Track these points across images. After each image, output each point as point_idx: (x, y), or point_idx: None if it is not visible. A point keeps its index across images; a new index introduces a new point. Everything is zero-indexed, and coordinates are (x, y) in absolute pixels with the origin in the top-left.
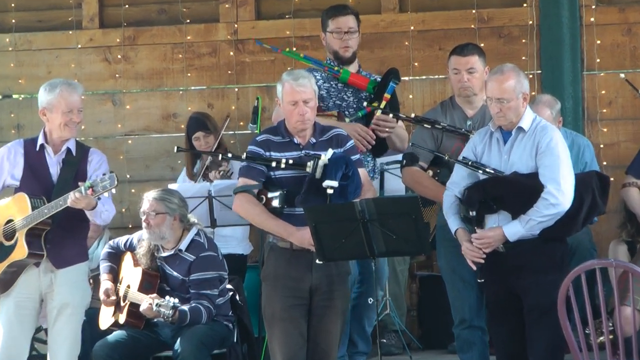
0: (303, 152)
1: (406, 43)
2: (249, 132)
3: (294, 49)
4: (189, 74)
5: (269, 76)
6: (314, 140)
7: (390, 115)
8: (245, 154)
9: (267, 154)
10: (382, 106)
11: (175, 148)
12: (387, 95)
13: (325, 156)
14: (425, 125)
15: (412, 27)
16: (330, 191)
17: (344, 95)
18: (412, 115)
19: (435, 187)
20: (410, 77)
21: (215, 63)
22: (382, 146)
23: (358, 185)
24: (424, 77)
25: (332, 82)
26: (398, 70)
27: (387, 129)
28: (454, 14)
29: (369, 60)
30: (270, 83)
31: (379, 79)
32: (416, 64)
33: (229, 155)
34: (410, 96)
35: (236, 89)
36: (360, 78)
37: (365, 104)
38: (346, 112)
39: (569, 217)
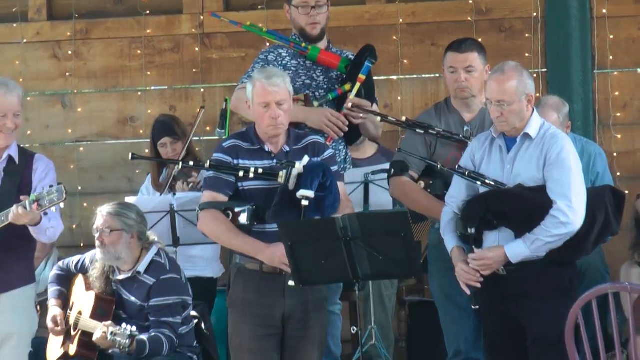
0: (275, 161)
1: (394, 38)
2: (217, 138)
3: (267, 44)
4: (148, 73)
5: (239, 75)
6: (288, 148)
7: (378, 118)
8: (208, 161)
9: (235, 161)
10: (356, 88)
11: (130, 155)
12: (361, 76)
13: (300, 164)
14: (417, 131)
15: (400, 20)
16: (305, 203)
17: (313, 74)
18: (403, 118)
19: (427, 201)
20: (399, 76)
21: (179, 60)
22: (355, 133)
23: (337, 199)
24: (414, 76)
25: (300, 60)
26: (374, 48)
27: (361, 115)
28: (448, 5)
29: None
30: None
31: (352, 57)
32: (405, 61)
33: (190, 163)
34: (399, 98)
35: (202, 90)
36: (331, 55)
37: (337, 86)
38: (315, 94)
39: (579, 238)
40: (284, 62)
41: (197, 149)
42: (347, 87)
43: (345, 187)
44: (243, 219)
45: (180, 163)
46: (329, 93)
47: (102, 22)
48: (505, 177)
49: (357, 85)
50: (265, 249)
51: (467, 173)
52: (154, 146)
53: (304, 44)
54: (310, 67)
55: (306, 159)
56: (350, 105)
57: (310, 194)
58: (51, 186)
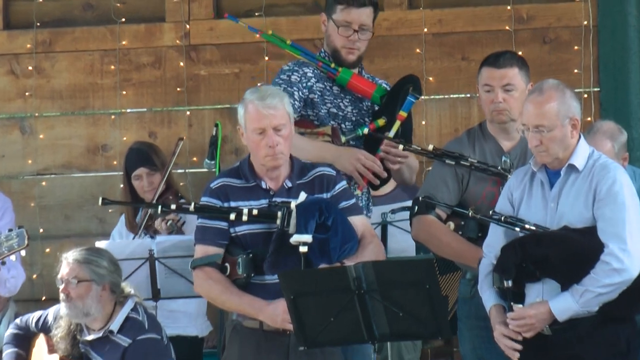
0: (274, 199)
1: (417, 50)
2: (205, 170)
3: (266, 58)
4: (123, 92)
5: (232, 94)
6: (290, 184)
7: (400, 146)
8: (192, 204)
9: (226, 204)
10: (395, 127)
11: (100, 200)
12: (402, 114)
13: (295, 202)
14: (447, 162)
15: (425, 29)
16: (303, 249)
17: (340, 102)
18: (430, 147)
19: (458, 245)
20: (424, 96)
21: (160, 77)
22: (384, 178)
23: (348, 239)
24: (441, 95)
25: (326, 83)
26: (419, 80)
27: (399, 159)
28: (481, 12)
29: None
30: (233, 104)
31: (387, 87)
32: (431, 78)
33: (172, 206)
34: (424, 122)
35: (188, 112)
36: (364, 82)
37: (367, 119)
38: (342, 126)
39: (637, 288)
40: (308, 83)
41: (180, 184)
42: (381, 122)
43: (368, 221)
44: (238, 270)
45: (160, 207)
46: (358, 127)
47: (68, 31)
48: (549, 218)
49: (397, 123)
50: (265, 308)
51: (503, 219)
52: (128, 179)
53: (333, 64)
54: (338, 94)
55: (303, 196)
56: (385, 147)
57: (307, 238)
58: (10, 230)
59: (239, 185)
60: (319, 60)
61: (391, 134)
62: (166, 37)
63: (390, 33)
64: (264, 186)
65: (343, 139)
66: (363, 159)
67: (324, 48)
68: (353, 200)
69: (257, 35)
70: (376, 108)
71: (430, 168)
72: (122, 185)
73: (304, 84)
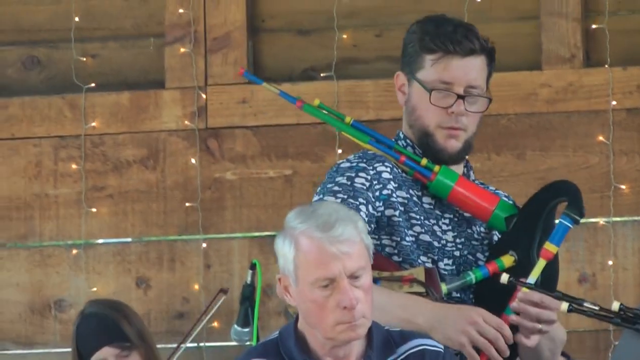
0: None
1: (600, 139)
2: (234, 344)
3: (339, 151)
4: (93, 209)
5: (280, 214)
6: None
7: (564, 305)
8: None
9: None
10: (537, 269)
11: None
12: (550, 247)
13: None
14: None
15: (614, 103)
16: None
17: (436, 225)
18: (615, 306)
19: None
20: (611, 218)
21: (156, 183)
22: (512, 354)
23: None
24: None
25: (413, 191)
26: (577, 189)
27: (540, 326)
28: None
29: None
30: (277, 230)
31: (513, 202)
32: (623, 186)
33: None
34: (610, 262)
35: (204, 244)
36: (478, 191)
37: (482, 255)
38: (437, 259)
39: None
40: (384, 191)
41: None
42: (507, 260)
43: None
44: None
45: None
46: (468, 271)
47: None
48: None
49: (540, 263)
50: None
51: None
52: None
53: (424, 160)
54: (432, 211)
55: None
56: (521, 304)
57: None
58: None
59: None
60: (402, 154)
61: (531, 280)
62: (167, 114)
63: (551, 109)
64: None
65: (444, 288)
66: (482, 323)
67: (402, 131)
68: None
69: (297, 105)
70: (496, 237)
71: (617, 342)
72: None
73: (378, 192)
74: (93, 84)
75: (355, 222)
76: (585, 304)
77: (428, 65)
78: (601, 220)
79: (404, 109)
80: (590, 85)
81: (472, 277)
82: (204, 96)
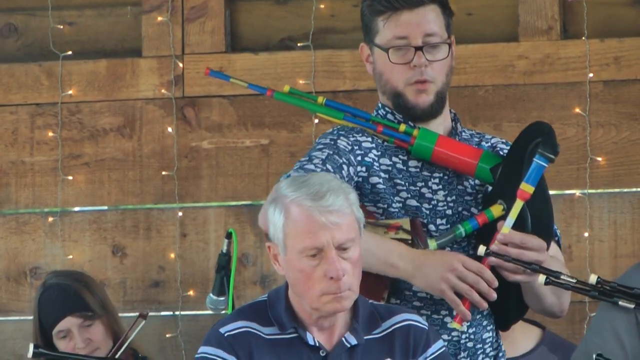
0: None
1: (577, 110)
2: (210, 313)
3: (316, 121)
4: (69, 177)
5: (258, 183)
6: (354, 341)
7: (541, 278)
8: None
9: None
10: (515, 210)
11: (31, 350)
12: (526, 188)
13: None
14: (621, 304)
15: (591, 75)
16: None
17: (424, 186)
18: (592, 278)
19: None
20: (587, 190)
21: (132, 152)
22: (513, 306)
23: None
24: (617, 189)
25: (397, 157)
26: (551, 129)
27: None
28: None
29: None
30: (258, 199)
31: (503, 147)
32: (599, 158)
33: None
34: (586, 233)
35: (180, 213)
36: (460, 147)
37: (475, 209)
38: (427, 222)
39: None
40: (366, 159)
41: (167, 335)
42: (496, 210)
43: None
44: None
45: None
46: (459, 224)
47: None
48: None
49: (519, 204)
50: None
51: None
52: (45, 338)
53: (403, 126)
54: (418, 174)
55: None
56: (500, 246)
57: None
58: None
59: (267, 336)
60: (379, 123)
61: (508, 224)
62: (144, 82)
63: (531, 81)
64: (310, 341)
65: (432, 244)
66: (461, 269)
67: (380, 102)
68: None
69: (267, 93)
70: (489, 188)
71: (593, 314)
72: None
73: (360, 157)
74: (70, 52)
75: (347, 193)
76: (563, 277)
77: (381, 27)
78: (577, 192)
79: (375, 79)
80: (567, 57)
81: (461, 230)
82: (180, 65)
